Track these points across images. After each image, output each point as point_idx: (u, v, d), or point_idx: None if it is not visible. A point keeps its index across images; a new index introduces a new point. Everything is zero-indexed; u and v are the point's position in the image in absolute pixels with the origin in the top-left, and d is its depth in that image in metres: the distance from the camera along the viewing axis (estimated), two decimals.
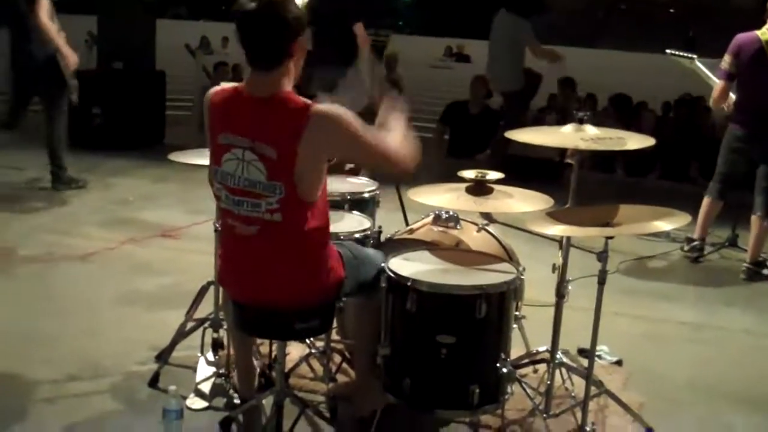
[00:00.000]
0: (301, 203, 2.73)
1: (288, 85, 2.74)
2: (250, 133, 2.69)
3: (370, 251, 3.15)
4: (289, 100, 2.70)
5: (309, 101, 2.70)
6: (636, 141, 3.34)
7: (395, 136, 2.91)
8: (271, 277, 2.82)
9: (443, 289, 2.91)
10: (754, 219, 5.55)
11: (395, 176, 4.99)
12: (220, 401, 3.41)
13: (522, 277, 3.09)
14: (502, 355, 2.98)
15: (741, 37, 5.50)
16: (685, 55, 5.81)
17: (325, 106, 2.69)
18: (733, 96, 5.62)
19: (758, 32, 5.43)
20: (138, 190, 7.16)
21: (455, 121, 9.26)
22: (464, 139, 9.10)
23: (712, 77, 5.75)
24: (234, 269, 2.93)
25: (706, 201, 5.84)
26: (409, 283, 2.90)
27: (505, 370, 2.97)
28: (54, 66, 6.54)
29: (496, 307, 2.91)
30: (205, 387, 3.49)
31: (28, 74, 6.72)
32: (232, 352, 3.42)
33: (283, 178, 2.68)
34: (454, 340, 2.88)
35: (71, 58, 6.60)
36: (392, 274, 2.96)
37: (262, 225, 2.75)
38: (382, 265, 3.03)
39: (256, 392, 3.25)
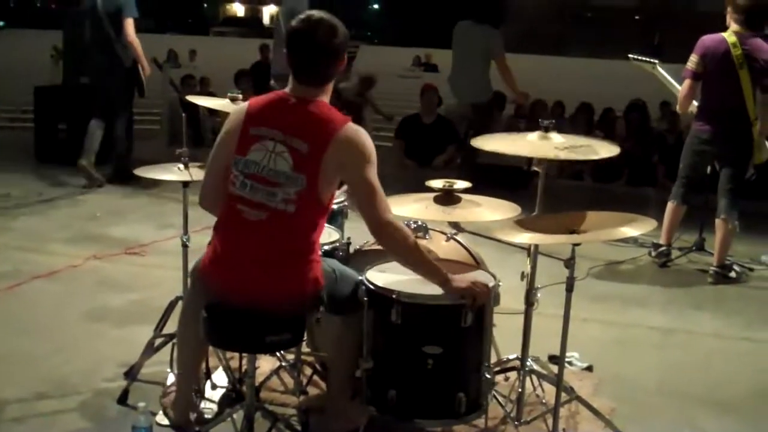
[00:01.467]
0: (316, 201, 2.83)
1: (327, 97, 2.92)
2: (285, 127, 2.84)
3: (348, 269, 3.14)
4: (330, 108, 2.88)
5: (347, 116, 2.87)
6: (604, 150, 3.29)
7: (429, 261, 2.96)
8: (264, 269, 2.84)
9: (428, 299, 2.92)
10: (719, 222, 5.60)
11: None
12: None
13: (499, 284, 3.11)
14: (485, 362, 3.01)
15: (707, 39, 5.53)
16: (648, 60, 5.85)
17: (357, 127, 2.86)
18: (695, 102, 5.67)
19: (724, 34, 5.47)
20: (106, 205, 7.09)
21: (410, 133, 9.28)
22: (421, 150, 9.13)
23: (674, 83, 5.79)
24: (227, 258, 2.91)
25: (669, 206, 5.87)
26: (393, 296, 2.90)
27: (488, 375, 3.01)
28: (135, 74, 7.54)
29: (479, 315, 2.94)
30: None
31: (111, 80, 7.56)
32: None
33: (307, 171, 2.80)
34: (440, 350, 2.89)
35: (147, 67, 7.57)
36: (373, 287, 2.96)
37: (272, 213, 2.82)
38: (360, 278, 3.03)
39: (191, 424, 3.21)
